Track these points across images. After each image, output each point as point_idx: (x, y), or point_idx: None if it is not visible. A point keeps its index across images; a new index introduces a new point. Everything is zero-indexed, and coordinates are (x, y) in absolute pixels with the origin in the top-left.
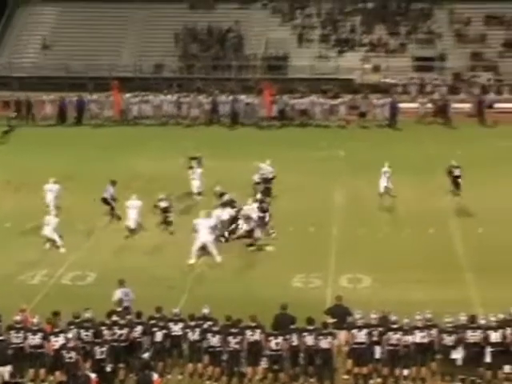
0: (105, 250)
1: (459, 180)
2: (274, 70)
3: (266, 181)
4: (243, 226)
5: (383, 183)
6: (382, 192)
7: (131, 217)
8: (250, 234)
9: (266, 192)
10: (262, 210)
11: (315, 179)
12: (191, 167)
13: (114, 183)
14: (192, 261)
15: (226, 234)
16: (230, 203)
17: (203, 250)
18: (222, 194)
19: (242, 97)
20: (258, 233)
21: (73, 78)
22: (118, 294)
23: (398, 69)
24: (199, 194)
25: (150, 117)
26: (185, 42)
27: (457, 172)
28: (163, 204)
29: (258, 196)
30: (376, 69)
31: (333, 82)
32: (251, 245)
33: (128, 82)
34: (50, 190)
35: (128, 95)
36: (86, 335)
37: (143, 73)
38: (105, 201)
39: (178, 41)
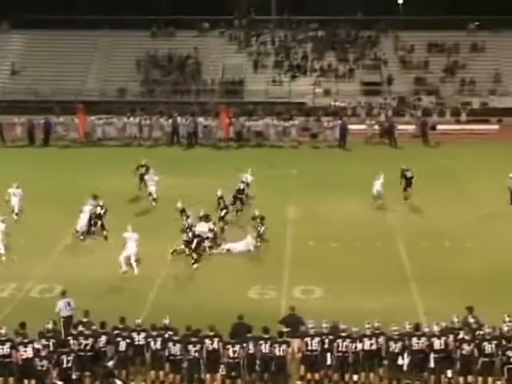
0: (71, 263)
1: (412, 181)
2: (230, 94)
3: (239, 191)
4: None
5: (377, 187)
6: (375, 195)
7: (82, 221)
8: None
9: (235, 200)
10: (262, 223)
11: (270, 196)
12: (143, 174)
13: (95, 197)
14: (123, 269)
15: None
16: (206, 217)
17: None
18: (183, 211)
19: (201, 119)
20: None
21: (41, 101)
22: (59, 304)
23: (347, 93)
24: (154, 200)
25: (113, 138)
26: (146, 68)
27: (409, 174)
28: (97, 210)
29: (256, 213)
30: (326, 93)
31: (286, 106)
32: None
33: (93, 106)
34: (14, 194)
35: (93, 118)
36: (48, 345)
37: (107, 97)
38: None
39: (140, 67)
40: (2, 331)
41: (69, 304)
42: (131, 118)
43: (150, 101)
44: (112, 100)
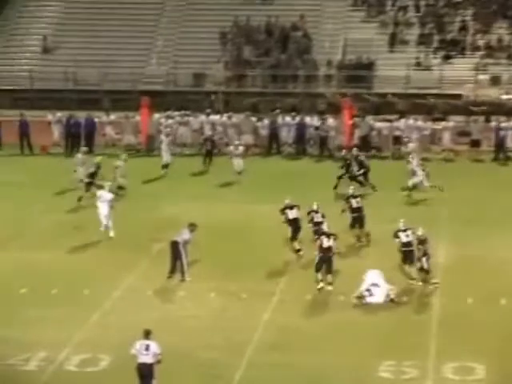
0: (124, 324)
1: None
2: (354, 81)
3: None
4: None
5: None
6: None
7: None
8: None
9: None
10: None
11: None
12: None
13: (192, 227)
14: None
15: None
16: None
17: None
18: (292, 207)
19: (311, 119)
20: None
21: (83, 91)
22: (136, 345)
23: None
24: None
25: (187, 144)
26: (234, 44)
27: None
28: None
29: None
30: (495, 81)
31: (435, 99)
32: None
33: (157, 98)
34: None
35: (157, 116)
36: None
37: (178, 85)
38: (174, 246)
39: (225, 42)
40: None
41: (147, 348)
42: (211, 116)
43: (239, 91)
44: (185, 90)
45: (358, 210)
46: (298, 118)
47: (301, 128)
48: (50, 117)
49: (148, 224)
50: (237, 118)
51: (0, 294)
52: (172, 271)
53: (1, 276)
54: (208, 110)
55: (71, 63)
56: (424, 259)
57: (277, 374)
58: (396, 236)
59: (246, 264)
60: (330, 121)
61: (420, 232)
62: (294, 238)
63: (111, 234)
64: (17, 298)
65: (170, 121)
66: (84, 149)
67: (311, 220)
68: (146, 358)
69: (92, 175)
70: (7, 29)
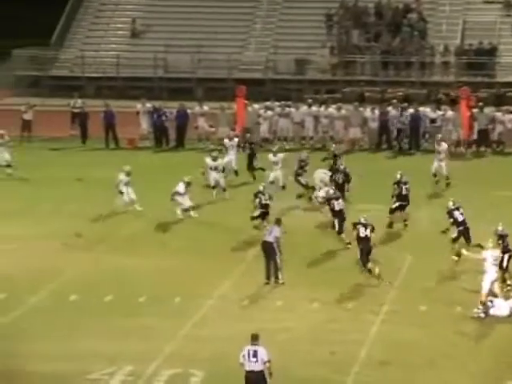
0: (217, 336)
1: None
2: (474, 69)
3: None
4: None
5: None
6: None
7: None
8: None
9: None
10: None
11: None
12: None
13: (279, 222)
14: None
15: None
16: None
17: None
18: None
19: (427, 110)
20: None
21: (174, 79)
22: (243, 351)
23: None
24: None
25: (288, 139)
26: (341, 27)
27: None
28: None
29: None
30: None
31: None
32: None
33: (255, 87)
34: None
35: (256, 106)
36: None
37: (279, 73)
38: (268, 247)
39: (331, 25)
40: None
41: (254, 354)
42: (314, 107)
43: (346, 79)
44: (285, 78)
45: (405, 197)
46: (410, 110)
47: (414, 120)
48: (139, 106)
49: (243, 226)
50: (346, 110)
51: (84, 301)
52: (268, 277)
53: (85, 281)
54: (310, 101)
55: (162, 48)
56: (505, 257)
57: None
58: (450, 215)
59: (352, 269)
60: (450, 113)
61: (500, 227)
62: (341, 231)
63: (193, 214)
64: (102, 305)
65: (270, 112)
66: (215, 153)
67: (259, 201)
68: (254, 366)
69: (299, 173)
70: (92, 10)
